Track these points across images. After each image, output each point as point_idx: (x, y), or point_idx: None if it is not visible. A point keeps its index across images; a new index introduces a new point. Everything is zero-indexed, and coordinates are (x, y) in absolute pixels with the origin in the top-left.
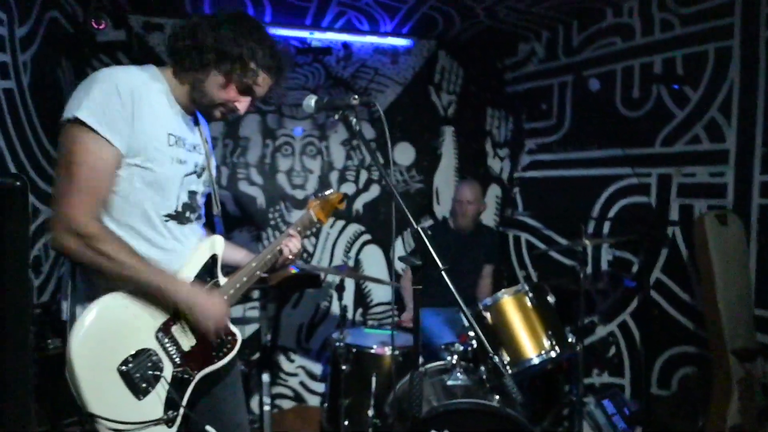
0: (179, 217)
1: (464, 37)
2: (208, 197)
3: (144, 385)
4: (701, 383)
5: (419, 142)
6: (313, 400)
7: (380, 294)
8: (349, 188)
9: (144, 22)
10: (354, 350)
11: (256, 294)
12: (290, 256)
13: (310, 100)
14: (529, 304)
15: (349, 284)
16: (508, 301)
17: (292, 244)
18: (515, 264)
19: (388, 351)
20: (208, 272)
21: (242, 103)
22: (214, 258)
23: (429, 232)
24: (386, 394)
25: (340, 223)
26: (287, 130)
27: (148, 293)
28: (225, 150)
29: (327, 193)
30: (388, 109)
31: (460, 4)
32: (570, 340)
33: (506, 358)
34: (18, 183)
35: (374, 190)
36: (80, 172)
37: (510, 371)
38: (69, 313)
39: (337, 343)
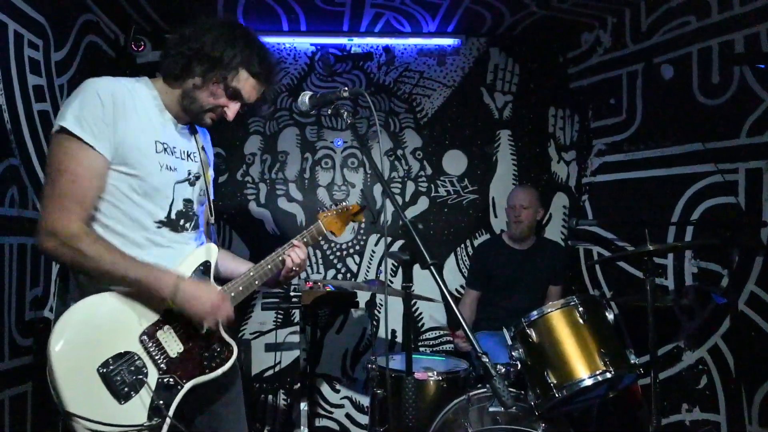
0: (172, 225)
1: (518, 31)
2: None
3: (125, 389)
4: None
5: (471, 149)
6: None
7: (433, 316)
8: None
9: None
10: (393, 375)
11: (296, 317)
12: (294, 268)
13: (305, 97)
14: (579, 319)
15: (397, 306)
16: (555, 315)
17: (295, 255)
18: (587, 281)
19: (431, 376)
20: (200, 275)
21: (231, 108)
22: (206, 265)
23: (420, 226)
24: (429, 422)
25: (386, 240)
26: (327, 142)
27: (138, 293)
28: (263, 165)
29: (342, 204)
30: (435, 115)
31: None
32: (632, 360)
33: (552, 381)
34: None
35: (422, 203)
36: (62, 179)
37: (558, 395)
38: (55, 313)
39: (369, 365)
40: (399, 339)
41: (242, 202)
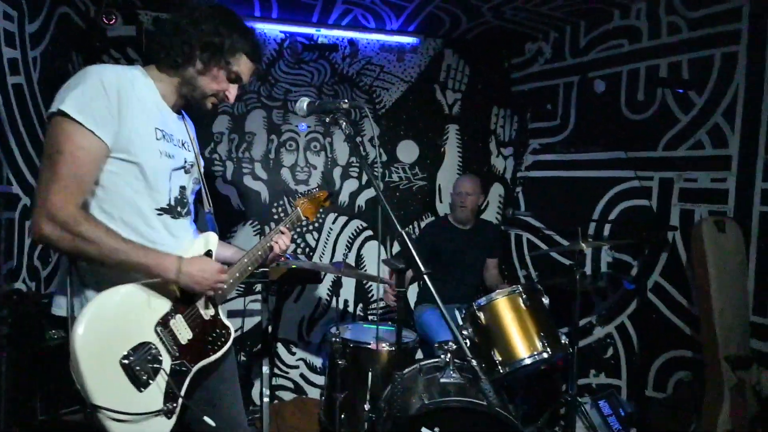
0: (172, 212)
1: (471, 36)
2: (198, 194)
3: (145, 377)
4: (695, 388)
5: (423, 140)
6: (314, 392)
7: (382, 289)
8: (352, 184)
9: (154, 18)
10: (351, 345)
11: (258, 287)
12: (280, 252)
13: (303, 103)
14: (522, 305)
15: (349, 280)
16: (501, 301)
17: (281, 241)
18: (516, 263)
19: (385, 347)
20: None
21: (231, 91)
22: (209, 254)
23: (413, 236)
24: (382, 389)
25: (343, 218)
26: (292, 125)
27: (146, 283)
28: (230, 144)
29: (313, 191)
30: (393, 107)
31: (466, 3)
32: (563, 341)
33: (498, 358)
34: None
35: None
36: (60, 161)
37: (502, 371)
38: (69, 308)
39: (334, 339)
40: (350, 308)
41: (209, 178)
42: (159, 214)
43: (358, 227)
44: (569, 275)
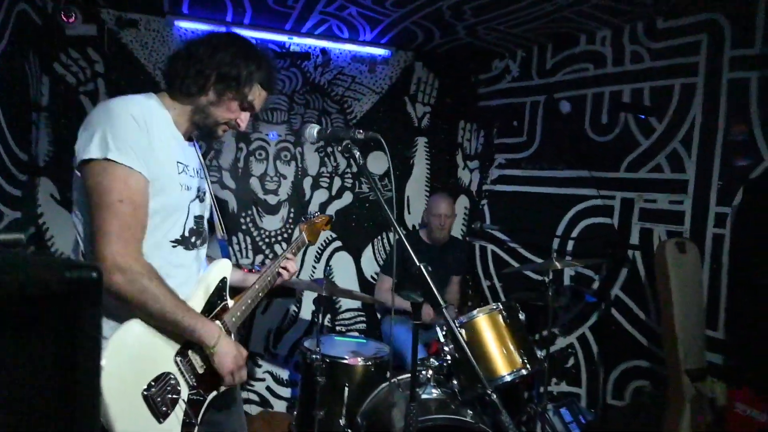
0: (185, 243)
1: (441, 50)
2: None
3: (164, 408)
4: (654, 396)
5: (393, 152)
6: (279, 405)
7: (349, 300)
8: (322, 195)
9: (117, 17)
10: (327, 360)
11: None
12: (288, 278)
13: (312, 130)
14: (502, 322)
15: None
16: (482, 319)
17: (290, 266)
18: (481, 274)
19: (360, 361)
20: (218, 295)
21: (244, 119)
22: (224, 281)
23: (429, 269)
24: (358, 404)
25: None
26: (262, 134)
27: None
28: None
29: (314, 215)
30: (363, 118)
31: (442, 20)
32: (539, 355)
33: (480, 374)
34: (94, 274)
35: (347, 198)
36: (126, 209)
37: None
38: None
39: (314, 356)
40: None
41: None
42: (174, 246)
43: (327, 238)
44: (538, 290)
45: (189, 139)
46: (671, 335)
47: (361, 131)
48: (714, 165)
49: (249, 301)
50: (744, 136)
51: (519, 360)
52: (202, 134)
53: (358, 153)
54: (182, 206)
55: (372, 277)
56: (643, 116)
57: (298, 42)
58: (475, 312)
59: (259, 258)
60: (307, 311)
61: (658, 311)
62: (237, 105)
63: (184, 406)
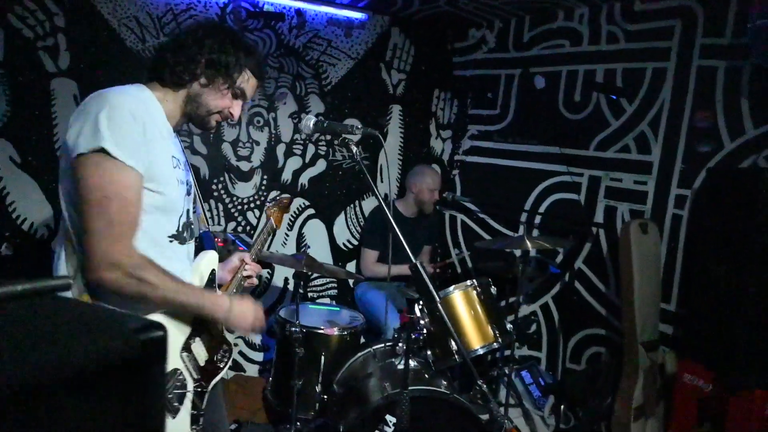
0: (180, 237)
1: (418, 17)
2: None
3: (176, 404)
4: (610, 364)
5: (367, 119)
6: (252, 369)
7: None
8: (295, 162)
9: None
10: (304, 331)
11: None
12: (256, 283)
13: (309, 121)
14: (476, 297)
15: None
16: (457, 295)
17: (253, 274)
18: (450, 242)
19: (336, 331)
20: (210, 286)
21: (236, 108)
22: (213, 273)
23: (424, 266)
24: (333, 371)
25: (285, 196)
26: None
27: (167, 312)
28: None
29: (279, 198)
30: (338, 84)
31: None
32: (509, 328)
33: (454, 347)
34: (161, 333)
35: (320, 165)
36: (112, 206)
37: (458, 359)
38: None
39: (293, 328)
40: (290, 287)
41: None
42: (170, 242)
43: (300, 206)
44: (506, 261)
45: (177, 131)
46: (630, 309)
47: (359, 126)
48: (678, 149)
49: (234, 290)
50: (708, 123)
51: (491, 333)
52: (195, 124)
53: (356, 149)
54: (178, 202)
55: (344, 244)
56: (614, 97)
57: (272, 1)
58: (451, 288)
59: (231, 225)
60: (279, 278)
61: (617, 284)
62: (229, 93)
63: (191, 399)
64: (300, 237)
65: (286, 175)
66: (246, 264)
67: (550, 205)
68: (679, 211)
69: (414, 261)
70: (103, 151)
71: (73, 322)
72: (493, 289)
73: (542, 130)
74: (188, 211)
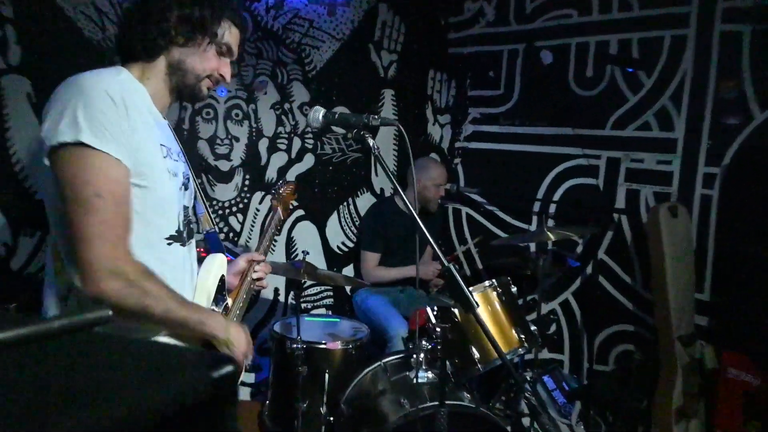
0: (180, 238)
1: None
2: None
3: None
4: (643, 362)
5: (358, 106)
6: (243, 392)
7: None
8: (280, 158)
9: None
10: (304, 346)
11: None
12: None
13: (317, 113)
14: (496, 299)
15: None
16: (478, 297)
17: (263, 275)
18: (455, 239)
19: (340, 345)
20: (220, 298)
21: (225, 69)
22: (222, 280)
23: (457, 268)
24: (340, 390)
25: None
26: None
27: (174, 336)
28: None
29: (285, 183)
30: (324, 68)
31: None
32: (533, 330)
33: (476, 356)
34: (232, 368)
35: (308, 161)
36: (103, 205)
37: (482, 369)
38: None
39: (294, 345)
40: (281, 298)
41: None
42: (169, 244)
43: (271, 213)
44: (519, 256)
45: (165, 115)
46: (664, 301)
47: (376, 116)
48: (704, 123)
49: (244, 296)
50: (735, 93)
51: (516, 338)
52: (186, 96)
53: (372, 141)
54: (172, 196)
55: (338, 247)
56: (630, 69)
57: None
58: (469, 290)
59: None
60: (269, 288)
61: (644, 275)
62: (213, 51)
63: None
64: (290, 242)
65: (271, 173)
66: (255, 263)
67: (566, 192)
68: (708, 191)
69: (446, 264)
70: (83, 144)
71: (129, 361)
72: (514, 289)
73: (552, 110)
74: (186, 207)
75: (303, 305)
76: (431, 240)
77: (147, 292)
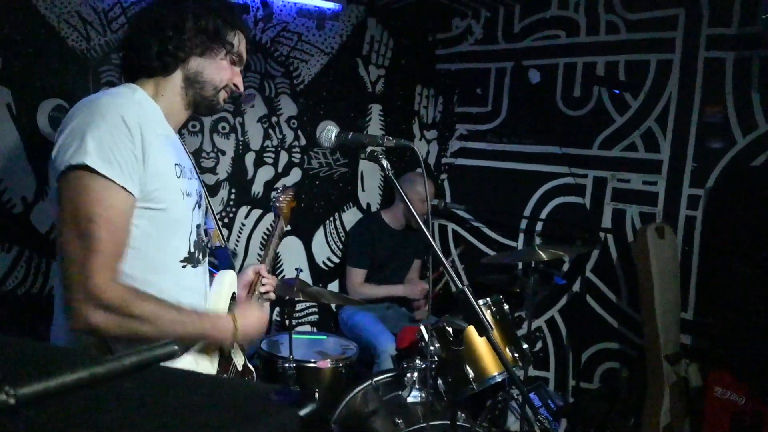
0: (192, 260)
1: (396, 5)
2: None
3: None
4: (630, 379)
5: (345, 121)
6: None
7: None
8: (267, 172)
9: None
10: (294, 365)
11: None
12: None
13: (330, 133)
14: (491, 318)
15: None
16: None
17: (270, 288)
18: (441, 255)
19: (330, 363)
20: (231, 311)
21: (239, 78)
22: (234, 297)
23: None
24: (329, 410)
25: (257, 212)
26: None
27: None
28: None
29: (285, 190)
30: (312, 82)
31: None
32: (524, 347)
33: (471, 374)
34: (314, 405)
35: (295, 175)
36: (95, 231)
37: (476, 388)
38: None
39: (286, 364)
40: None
41: None
42: (183, 266)
43: (274, 222)
44: (508, 273)
45: (176, 131)
46: (652, 321)
47: (390, 137)
48: (689, 145)
49: None
50: (718, 117)
51: (510, 357)
52: (202, 109)
53: (386, 162)
54: (186, 218)
55: (324, 263)
56: (617, 91)
57: None
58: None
59: None
60: None
61: (630, 294)
62: (227, 61)
63: None
64: (276, 257)
65: (257, 188)
66: (262, 277)
67: (553, 210)
68: (692, 212)
69: (461, 286)
70: (87, 168)
71: (209, 400)
72: (506, 307)
73: (540, 129)
74: (198, 227)
75: (286, 322)
76: (444, 260)
77: (136, 317)
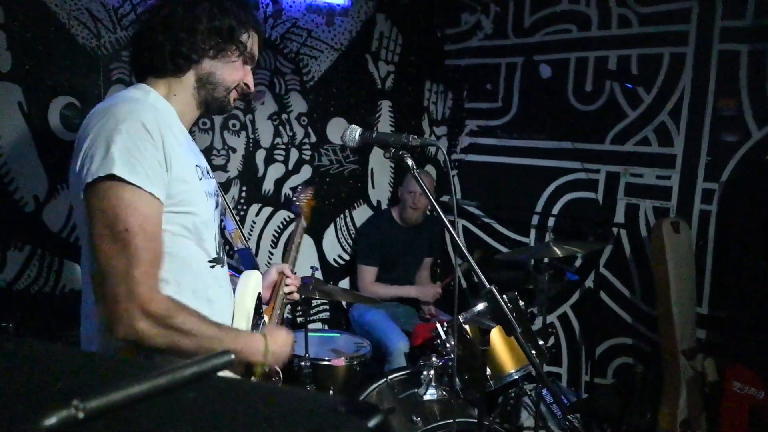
0: (219, 260)
1: (405, 1)
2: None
3: None
4: (645, 374)
5: (354, 118)
6: None
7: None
8: (278, 170)
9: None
10: (310, 364)
11: None
12: (298, 298)
13: (354, 132)
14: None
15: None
16: None
17: (294, 288)
18: (451, 253)
19: (344, 361)
20: (257, 312)
21: (250, 77)
22: (259, 297)
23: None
24: None
25: (267, 209)
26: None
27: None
28: None
29: (304, 189)
30: (322, 78)
31: None
32: (540, 343)
33: (488, 372)
34: (381, 417)
35: (305, 172)
36: (133, 241)
37: (494, 385)
38: None
39: (302, 362)
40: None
41: None
42: (212, 267)
43: (285, 219)
44: (521, 270)
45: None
46: (668, 316)
47: (415, 136)
48: (702, 139)
49: (279, 312)
50: (733, 111)
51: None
52: (214, 109)
53: (412, 162)
54: (210, 219)
55: (335, 260)
56: (630, 85)
57: None
58: (478, 306)
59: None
60: None
61: (643, 289)
62: (240, 61)
63: None
64: (285, 254)
65: (268, 185)
66: (286, 277)
67: (565, 205)
68: (706, 206)
69: (488, 286)
70: (115, 177)
71: (277, 412)
72: (522, 303)
73: (551, 124)
74: (219, 226)
75: (299, 320)
76: (469, 258)
77: (177, 329)
